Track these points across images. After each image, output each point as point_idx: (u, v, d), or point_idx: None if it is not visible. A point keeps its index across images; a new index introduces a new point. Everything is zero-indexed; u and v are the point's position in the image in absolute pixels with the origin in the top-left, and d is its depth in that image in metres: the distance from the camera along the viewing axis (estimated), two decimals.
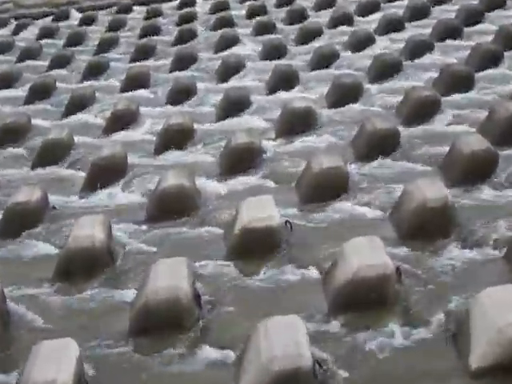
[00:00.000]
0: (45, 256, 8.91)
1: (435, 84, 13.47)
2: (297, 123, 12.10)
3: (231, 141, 11.15)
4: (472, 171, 9.53)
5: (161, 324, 6.99)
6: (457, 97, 12.87)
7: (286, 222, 8.65)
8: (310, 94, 13.95)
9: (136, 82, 15.83)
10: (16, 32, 22.87)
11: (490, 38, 15.77)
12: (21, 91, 16.52)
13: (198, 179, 10.38)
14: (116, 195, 10.51)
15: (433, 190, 8.50)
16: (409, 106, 12.26)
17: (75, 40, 20.70)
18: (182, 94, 14.64)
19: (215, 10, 22.08)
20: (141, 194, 10.44)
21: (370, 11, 19.61)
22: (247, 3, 22.34)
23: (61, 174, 11.66)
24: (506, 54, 14.47)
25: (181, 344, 6.82)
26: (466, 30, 16.89)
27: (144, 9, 23.51)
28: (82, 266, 8.26)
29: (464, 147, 9.75)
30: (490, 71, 13.94)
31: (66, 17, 24.18)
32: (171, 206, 9.50)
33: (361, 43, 16.79)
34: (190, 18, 21.54)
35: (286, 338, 5.99)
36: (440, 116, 12.07)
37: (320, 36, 18.14)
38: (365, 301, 6.98)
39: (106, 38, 20.30)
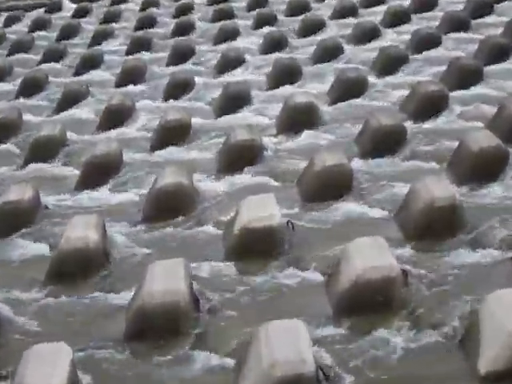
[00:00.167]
0: (36, 257, 8.90)
1: (442, 78, 13.47)
2: (299, 119, 12.10)
3: (230, 137, 11.15)
4: (481, 169, 9.52)
5: (157, 328, 6.99)
6: (465, 92, 12.88)
7: (288, 221, 8.65)
8: (312, 88, 13.94)
9: (131, 75, 15.84)
10: (7, 24, 22.87)
11: (499, 30, 15.78)
12: (12, 85, 16.52)
13: (196, 177, 10.38)
14: (111, 194, 10.51)
15: (440, 189, 8.50)
16: (415, 101, 12.26)
17: (68, 32, 20.69)
18: (179, 89, 14.64)
19: (214, 1, 22.07)
20: (136, 192, 10.44)
21: (374, 3, 19.61)
22: None
23: (53, 171, 11.66)
24: None
25: (178, 349, 6.82)
26: (475, 22, 16.91)
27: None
28: (75, 268, 8.26)
29: (472, 144, 9.75)
30: (499, 65, 13.94)
31: (59, 8, 24.17)
32: (168, 205, 9.50)
33: (365, 36, 16.80)
34: (187, 10, 21.53)
35: (288, 342, 5.98)
36: (447, 112, 12.08)
37: (323, 28, 18.15)
38: (369, 304, 6.98)
39: (101, 30, 20.31)
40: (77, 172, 11.19)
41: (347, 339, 6.72)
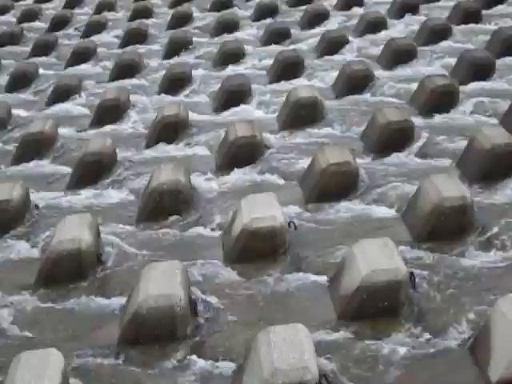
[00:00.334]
0: (26, 259, 8.91)
1: (453, 72, 13.48)
2: (302, 115, 12.11)
3: (230, 133, 11.15)
4: (493, 167, 9.53)
5: (153, 334, 7.00)
6: (477, 85, 12.88)
7: (290, 222, 8.66)
8: (316, 82, 13.96)
9: (126, 69, 15.83)
10: None
11: None
12: (0, 79, 16.52)
13: (194, 175, 10.39)
14: (104, 193, 10.51)
15: (450, 188, 8.50)
16: (424, 96, 12.26)
17: (60, 23, 20.69)
18: (176, 83, 14.63)
19: None
20: (131, 191, 10.45)
21: None
22: None
23: (44, 169, 11.66)
24: None
25: (175, 356, 6.83)
26: (486, 12, 16.91)
27: None
28: (67, 271, 8.26)
29: (485, 141, 9.75)
30: None
31: None
32: (164, 205, 9.50)
33: (372, 27, 16.79)
34: None
35: (290, 348, 5.99)
36: (458, 107, 12.09)
37: (327, 19, 18.16)
38: (375, 308, 7.00)
39: (94, 20, 20.29)
40: (68, 170, 11.20)
41: (352, 345, 6.73)
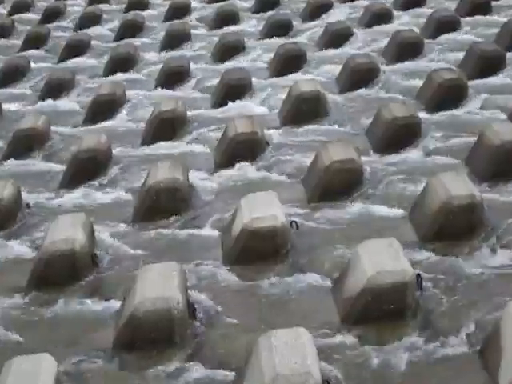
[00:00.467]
0: (18, 261, 8.91)
1: (461, 66, 13.48)
2: (304, 110, 12.11)
3: (229, 129, 11.15)
4: (503, 164, 9.53)
5: (149, 338, 7.00)
6: (486, 80, 12.88)
7: (292, 221, 8.66)
8: (319, 76, 13.96)
9: (121, 62, 15.84)
10: None
11: None
12: None
13: (192, 173, 10.39)
14: (99, 191, 10.51)
15: (459, 186, 8.50)
16: (431, 90, 12.27)
17: (52, 15, 20.70)
18: (173, 77, 14.65)
19: None
20: (127, 190, 10.46)
21: None
22: None
23: (36, 167, 11.67)
24: None
25: (173, 361, 6.83)
26: (495, 3, 16.91)
27: None
28: (60, 273, 8.27)
29: (494, 137, 9.76)
30: None
31: None
32: (161, 204, 9.51)
33: (377, 19, 16.80)
34: None
35: (292, 353, 5.99)
36: (466, 102, 12.08)
37: (330, 11, 18.16)
38: (381, 311, 7.00)
39: (88, 12, 20.31)
40: (62, 168, 11.20)
41: (356, 349, 6.74)
